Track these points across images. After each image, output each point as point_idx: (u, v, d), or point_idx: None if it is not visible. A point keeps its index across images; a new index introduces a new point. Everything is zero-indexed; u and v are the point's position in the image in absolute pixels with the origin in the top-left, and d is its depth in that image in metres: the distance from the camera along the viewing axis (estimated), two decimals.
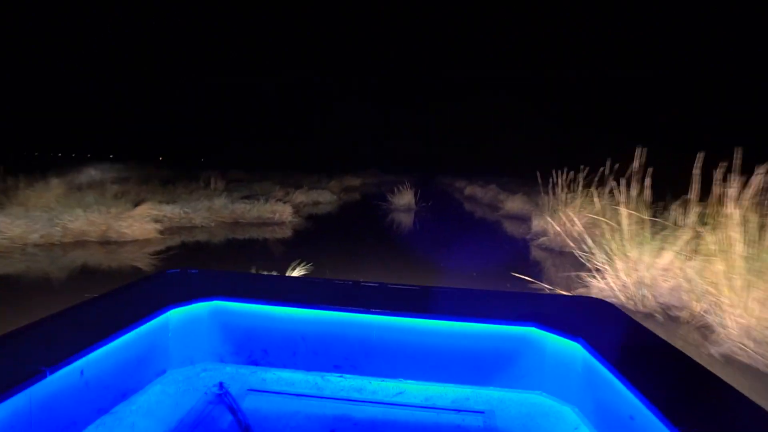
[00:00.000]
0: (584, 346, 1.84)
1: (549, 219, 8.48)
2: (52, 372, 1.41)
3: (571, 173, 8.71)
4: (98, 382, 1.63)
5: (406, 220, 12.72)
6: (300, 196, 14.56)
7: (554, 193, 8.84)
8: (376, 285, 2.48)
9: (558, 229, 7.84)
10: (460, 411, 1.89)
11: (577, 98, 47.66)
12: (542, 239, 8.67)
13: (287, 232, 9.71)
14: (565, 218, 7.56)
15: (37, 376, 1.38)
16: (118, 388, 1.76)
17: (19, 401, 1.31)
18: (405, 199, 14.75)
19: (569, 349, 1.93)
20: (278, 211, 11.06)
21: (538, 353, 2.02)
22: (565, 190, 8.55)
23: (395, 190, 14.70)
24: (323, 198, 16.10)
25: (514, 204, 14.29)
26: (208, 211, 10.06)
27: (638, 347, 1.89)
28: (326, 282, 2.52)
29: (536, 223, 9.52)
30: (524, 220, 11.71)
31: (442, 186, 28.69)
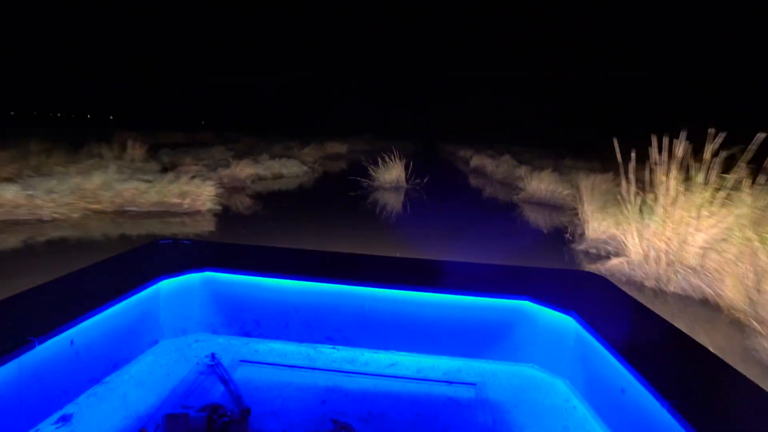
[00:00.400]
0: (577, 320, 1.89)
1: (625, 223, 5.37)
2: (41, 342, 1.44)
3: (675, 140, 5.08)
4: (89, 352, 1.68)
5: (386, 207, 9.59)
6: (247, 169, 11.39)
7: (633, 175, 5.49)
8: (370, 257, 2.54)
9: (658, 246, 4.79)
10: (452, 383, 1.95)
11: (577, 98, 49.50)
12: (616, 264, 5.23)
13: (184, 230, 6.70)
14: (673, 229, 4.63)
15: (26, 345, 1.40)
16: (110, 359, 1.82)
17: (7, 371, 1.35)
18: (393, 174, 11.65)
19: (562, 322, 1.98)
20: (191, 194, 7.71)
21: (530, 326, 2.09)
22: (674, 169, 5.00)
23: (386, 159, 11.66)
24: (289, 170, 13.27)
25: (542, 185, 10.55)
26: (74, 194, 7.03)
27: (630, 321, 1.95)
28: (319, 253, 2.58)
29: (595, 227, 6.26)
30: (561, 210, 8.84)
31: (444, 155, 26.12)
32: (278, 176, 12.40)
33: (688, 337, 1.79)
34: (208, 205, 7.52)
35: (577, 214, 6.69)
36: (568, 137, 28.41)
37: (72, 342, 1.59)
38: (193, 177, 8.13)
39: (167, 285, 2.05)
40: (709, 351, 1.66)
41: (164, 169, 9.48)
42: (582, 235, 6.26)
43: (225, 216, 7.44)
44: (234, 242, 2.88)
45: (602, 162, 13.60)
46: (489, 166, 15.79)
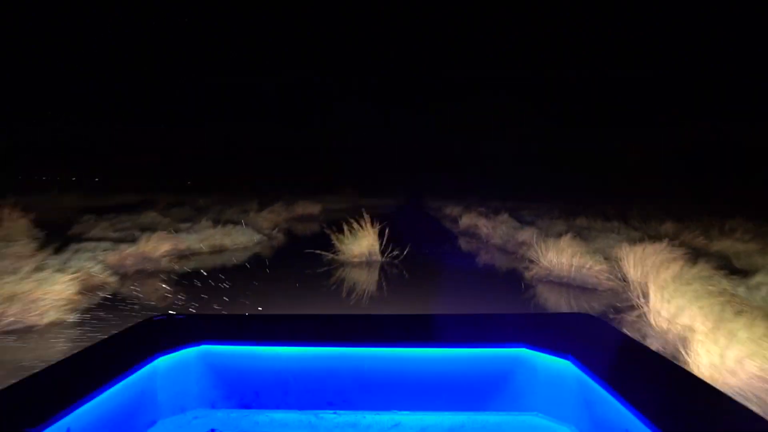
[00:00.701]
0: (574, 363, 2.01)
1: None
2: None
3: None
4: None
5: (351, 294, 6.51)
6: (164, 243, 8.41)
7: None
8: (365, 317, 2.69)
9: None
10: None
11: (577, 99, 49.99)
12: None
13: None
14: None
15: None
16: None
17: None
18: (365, 243, 8.97)
19: (560, 366, 2.11)
20: (27, 297, 4.63)
21: (530, 373, 2.21)
22: None
23: (362, 223, 9.06)
24: (235, 240, 10.57)
25: (562, 257, 7.38)
26: None
27: (628, 360, 2.07)
28: (313, 318, 2.71)
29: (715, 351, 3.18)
30: (602, 298, 6.11)
31: (430, 211, 22.83)
32: (218, 250, 10.59)
33: (688, 372, 1.95)
34: (53, 315, 4.48)
35: (633, 306, 4.70)
36: (568, 187, 27.55)
37: (69, 430, 1.66)
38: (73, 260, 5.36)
39: (164, 362, 2.17)
40: (709, 384, 1.81)
41: (57, 248, 7.28)
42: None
43: (68, 335, 4.77)
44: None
45: (624, 221, 11.29)
46: (483, 228, 13.49)
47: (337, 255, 8.81)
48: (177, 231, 9.79)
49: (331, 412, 2.23)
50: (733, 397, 1.73)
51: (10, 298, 4.67)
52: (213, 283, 7.10)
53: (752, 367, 3.19)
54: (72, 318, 4.91)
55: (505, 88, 49.52)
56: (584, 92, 48.43)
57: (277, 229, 13.30)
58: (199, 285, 6.97)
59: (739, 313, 3.41)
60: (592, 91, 47.56)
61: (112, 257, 7.17)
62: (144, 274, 7.46)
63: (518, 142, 43.89)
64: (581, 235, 9.08)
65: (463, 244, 12.32)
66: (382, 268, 8.44)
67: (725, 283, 4.62)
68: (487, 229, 12.71)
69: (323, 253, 8.84)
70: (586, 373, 1.89)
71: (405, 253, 8.85)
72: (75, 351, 2.18)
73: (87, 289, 5.76)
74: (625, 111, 45.72)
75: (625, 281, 5.64)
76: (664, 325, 3.91)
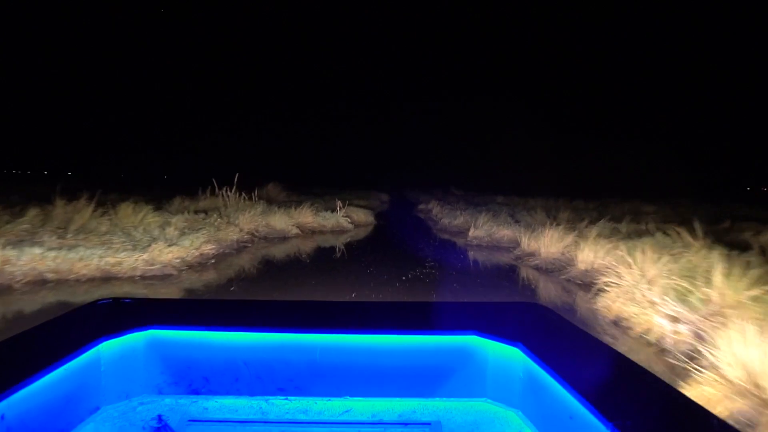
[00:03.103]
0: (523, 351, 2.04)
1: None
2: None
3: None
4: (23, 427, 1.70)
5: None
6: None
7: None
8: (317, 303, 2.63)
9: None
10: (407, 424, 2.05)
11: (576, 100, 50.98)
12: None
13: None
14: None
15: None
16: (46, 431, 1.85)
17: None
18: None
19: (510, 354, 2.13)
20: None
21: (480, 360, 2.23)
22: None
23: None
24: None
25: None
26: None
27: (574, 348, 2.10)
28: (266, 303, 2.69)
29: None
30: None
31: (407, 200, 26.36)
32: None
33: (631, 361, 1.95)
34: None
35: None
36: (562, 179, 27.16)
37: (3, 417, 1.59)
38: None
39: (108, 346, 2.10)
40: (653, 374, 1.82)
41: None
42: None
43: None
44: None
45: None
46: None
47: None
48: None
49: (282, 398, 2.21)
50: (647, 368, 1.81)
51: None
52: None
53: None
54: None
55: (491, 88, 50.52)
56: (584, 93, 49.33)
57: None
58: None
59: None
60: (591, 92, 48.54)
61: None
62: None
63: (494, 141, 45.13)
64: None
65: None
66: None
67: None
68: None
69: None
70: (534, 360, 1.92)
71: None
72: (28, 328, 2.10)
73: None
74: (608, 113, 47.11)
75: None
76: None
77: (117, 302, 2.58)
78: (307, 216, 12.17)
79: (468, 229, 11.49)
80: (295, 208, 12.20)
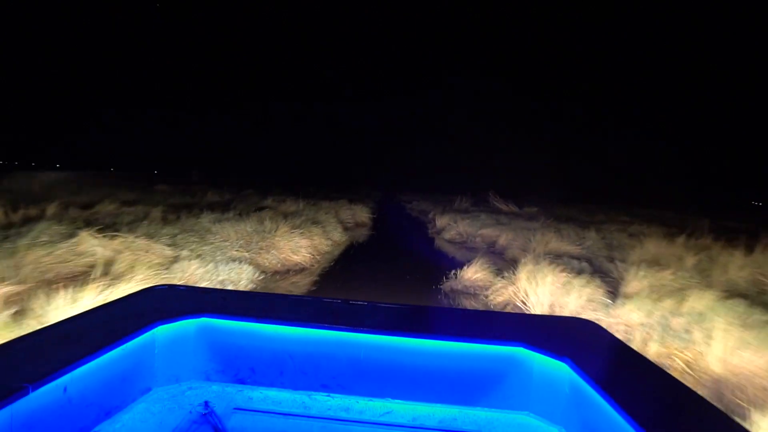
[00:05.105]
0: (571, 366, 2.00)
1: None
2: (34, 389, 1.52)
3: None
4: (82, 400, 1.78)
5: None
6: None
7: None
8: (365, 304, 2.66)
9: None
10: (447, 431, 2.08)
11: (575, 101, 52.19)
12: None
13: None
14: None
15: (20, 392, 1.47)
16: (102, 406, 1.92)
17: None
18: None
19: (556, 369, 2.10)
20: None
21: (525, 373, 2.21)
22: None
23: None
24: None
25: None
26: None
27: (623, 366, 2.06)
28: (315, 300, 2.73)
29: None
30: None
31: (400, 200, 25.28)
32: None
33: (680, 382, 1.91)
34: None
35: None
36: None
37: (65, 389, 1.67)
38: None
39: (162, 331, 2.17)
40: (701, 396, 1.79)
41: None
42: None
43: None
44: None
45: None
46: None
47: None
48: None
49: (325, 394, 2.23)
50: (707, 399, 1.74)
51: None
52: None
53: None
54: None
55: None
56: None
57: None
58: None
59: None
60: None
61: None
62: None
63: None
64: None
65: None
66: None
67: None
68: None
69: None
70: (581, 376, 1.87)
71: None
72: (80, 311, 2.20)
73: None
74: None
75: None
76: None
77: (172, 289, 2.66)
78: None
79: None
80: None
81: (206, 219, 8.68)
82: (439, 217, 14.38)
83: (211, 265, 5.88)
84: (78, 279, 4.91)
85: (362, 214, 15.11)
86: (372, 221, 15.10)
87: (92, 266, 5.23)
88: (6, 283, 4.42)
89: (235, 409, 2.06)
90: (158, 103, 52.24)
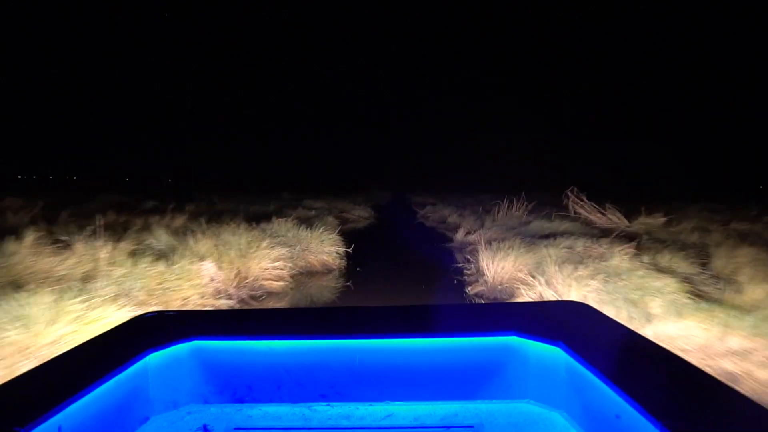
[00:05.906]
0: (565, 350, 2.01)
1: None
2: (28, 431, 1.52)
3: None
4: None
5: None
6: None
7: None
8: (355, 308, 2.68)
9: None
10: (450, 428, 2.05)
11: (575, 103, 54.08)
12: None
13: None
14: None
15: None
16: None
17: None
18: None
19: (551, 354, 2.11)
20: None
21: (521, 361, 2.21)
22: None
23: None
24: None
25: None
26: None
27: (618, 346, 2.04)
28: (305, 310, 2.77)
29: None
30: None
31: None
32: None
33: (677, 357, 1.90)
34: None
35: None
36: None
37: (60, 428, 1.65)
38: None
39: (155, 358, 2.16)
40: (700, 369, 1.76)
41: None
42: None
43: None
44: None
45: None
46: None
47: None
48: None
49: (324, 404, 2.22)
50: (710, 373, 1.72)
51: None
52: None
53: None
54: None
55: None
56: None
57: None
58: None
59: None
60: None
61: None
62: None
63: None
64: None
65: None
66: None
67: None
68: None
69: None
70: (576, 359, 1.88)
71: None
72: (67, 349, 2.16)
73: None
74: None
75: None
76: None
77: (161, 315, 2.64)
78: None
79: None
80: None
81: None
82: (486, 252, 6.59)
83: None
84: None
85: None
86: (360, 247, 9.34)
87: None
88: None
89: (235, 429, 2.04)
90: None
